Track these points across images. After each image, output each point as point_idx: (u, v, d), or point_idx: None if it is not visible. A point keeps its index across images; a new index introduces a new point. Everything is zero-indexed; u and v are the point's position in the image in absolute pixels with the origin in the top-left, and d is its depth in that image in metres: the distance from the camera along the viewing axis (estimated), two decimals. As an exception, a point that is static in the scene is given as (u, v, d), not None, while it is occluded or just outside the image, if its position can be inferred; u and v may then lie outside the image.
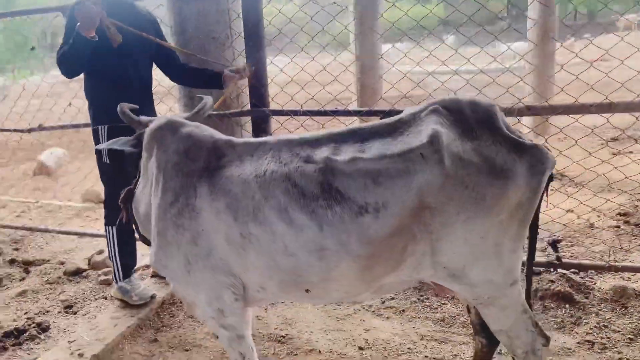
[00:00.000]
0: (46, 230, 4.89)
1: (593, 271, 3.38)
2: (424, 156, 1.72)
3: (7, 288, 4.03)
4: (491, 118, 1.81)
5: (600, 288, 3.22)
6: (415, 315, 3.21)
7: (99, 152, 3.01)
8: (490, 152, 1.75)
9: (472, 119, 1.80)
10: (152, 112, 3.31)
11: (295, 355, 2.92)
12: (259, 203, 1.84)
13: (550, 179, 1.89)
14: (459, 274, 1.85)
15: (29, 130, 4.31)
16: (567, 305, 3.09)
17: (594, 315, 3.01)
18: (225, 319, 2.08)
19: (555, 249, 3.28)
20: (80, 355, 2.85)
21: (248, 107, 3.58)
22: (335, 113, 3.28)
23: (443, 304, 3.30)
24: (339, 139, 1.88)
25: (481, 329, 2.25)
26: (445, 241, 1.80)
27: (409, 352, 2.86)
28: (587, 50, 3.52)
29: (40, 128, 4.31)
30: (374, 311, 3.29)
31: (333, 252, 1.81)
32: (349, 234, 1.77)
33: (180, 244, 1.98)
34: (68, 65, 2.86)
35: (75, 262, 4.30)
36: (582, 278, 3.33)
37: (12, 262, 4.46)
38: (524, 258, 2.13)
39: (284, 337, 3.09)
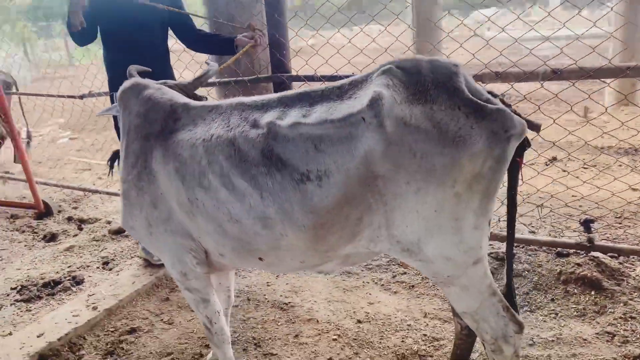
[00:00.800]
0: (96, 192, 5.23)
1: (635, 257, 3.02)
2: (365, 121, 1.58)
3: (60, 243, 4.37)
4: (451, 79, 1.62)
5: (638, 275, 2.87)
6: (424, 292, 3.06)
7: (115, 119, 3.13)
8: (444, 116, 1.57)
9: (429, 80, 1.62)
10: (170, 79, 3.37)
11: (293, 323, 2.91)
12: (204, 168, 1.80)
13: (523, 147, 1.67)
14: (414, 249, 1.71)
15: (81, 97, 4.57)
16: (592, 292, 2.79)
17: (622, 304, 2.69)
18: (188, 282, 2.09)
19: (588, 229, 2.96)
20: (94, 308, 3.04)
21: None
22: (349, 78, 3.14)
23: (457, 282, 3.12)
24: (288, 103, 1.78)
25: None
26: (398, 213, 1.66)
27: (407, 329, 2.74)
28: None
29: (90, 95, 4.56)
30: (383, 285, 3.18)
31: (277, 221, 1.74)
32: (291, 202, 1.69)
33: (142, 206, 2.00)
34: (73, 38, 3.01)
35: (119, 222, 4.57)
36: (621, 264, 2.98)
37: (69, 219, 4.84)
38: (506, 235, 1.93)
39: (287, 304, 3.08)
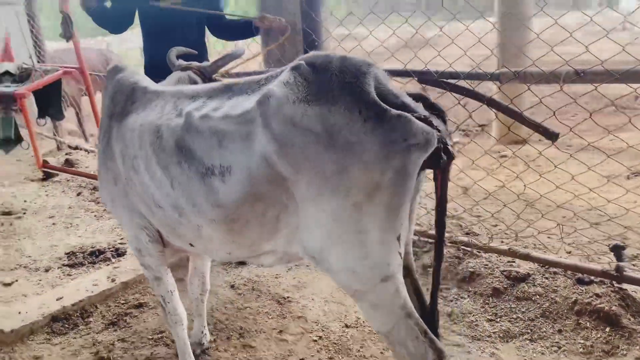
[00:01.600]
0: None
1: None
2: (254, 119, 1.52)
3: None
4: (358, 79, 1.48)
5: (671, 317, 2.42)
6: (422, 303, 2.87)
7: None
8: (340, 119, 1.45)
9: (335, 80, 1.50)
10: None
11: (284, 318, 2.90)
12: (136, 152, 1.87)
13: (439, 158, 1.49)
14: (318, 257, 1.61)
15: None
16: (607, 329, 2.41)
17: (638, 347, 2.29)
18: (143, 259, 2.18)
19: (619, 256, 2.54)
20: (112, 280, 3.29)
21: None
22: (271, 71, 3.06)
23: (461, 297, 2.88)
24: (213, 94, 1.76)
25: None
26: (303, 218, 1.59)
27: (389, 340, 2.60)
28: None
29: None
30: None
31: (188, 212, 1.75)
32: (199, 195, 1.69)
33: (108, 182, 2.12)
34: (105, 25, 3.25)
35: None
36: (657, 299, 2.54)
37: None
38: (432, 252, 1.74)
39: (285, 299, 3.08)
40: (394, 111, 1.44)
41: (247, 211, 1.67)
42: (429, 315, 1.76)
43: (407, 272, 1.84)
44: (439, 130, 1.48)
